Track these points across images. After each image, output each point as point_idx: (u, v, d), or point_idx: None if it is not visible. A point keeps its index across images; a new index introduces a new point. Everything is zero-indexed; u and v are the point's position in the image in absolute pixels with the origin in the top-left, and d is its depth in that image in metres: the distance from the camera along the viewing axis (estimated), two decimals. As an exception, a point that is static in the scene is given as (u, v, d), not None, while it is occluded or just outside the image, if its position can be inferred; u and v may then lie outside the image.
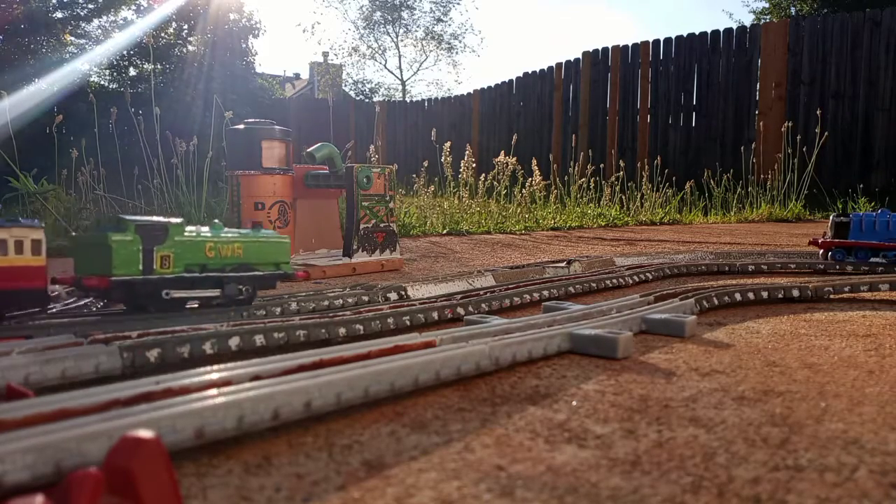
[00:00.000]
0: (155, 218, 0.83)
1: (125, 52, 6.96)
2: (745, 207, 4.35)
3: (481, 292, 1.06)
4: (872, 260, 1.45)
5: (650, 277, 1.33)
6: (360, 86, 18.12)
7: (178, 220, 0.84)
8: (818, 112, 4.75)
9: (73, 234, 0.74)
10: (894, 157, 4.86)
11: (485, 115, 7.83)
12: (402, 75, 17.88)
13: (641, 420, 0.53)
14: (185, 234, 0.84)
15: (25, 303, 0.71)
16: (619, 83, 6.27)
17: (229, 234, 0.89)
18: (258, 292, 0.92)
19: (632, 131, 6.18)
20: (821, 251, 1.53)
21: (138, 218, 0.81)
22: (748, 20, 11.82)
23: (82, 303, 0.95)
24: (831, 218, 1.52)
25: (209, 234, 0.87)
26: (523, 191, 3.80)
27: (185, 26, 7.12)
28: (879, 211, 1.47)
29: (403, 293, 1.07)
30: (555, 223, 3.37)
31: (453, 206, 3.59)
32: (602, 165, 4.92)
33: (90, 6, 6.90)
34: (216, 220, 0.90)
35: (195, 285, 0.85)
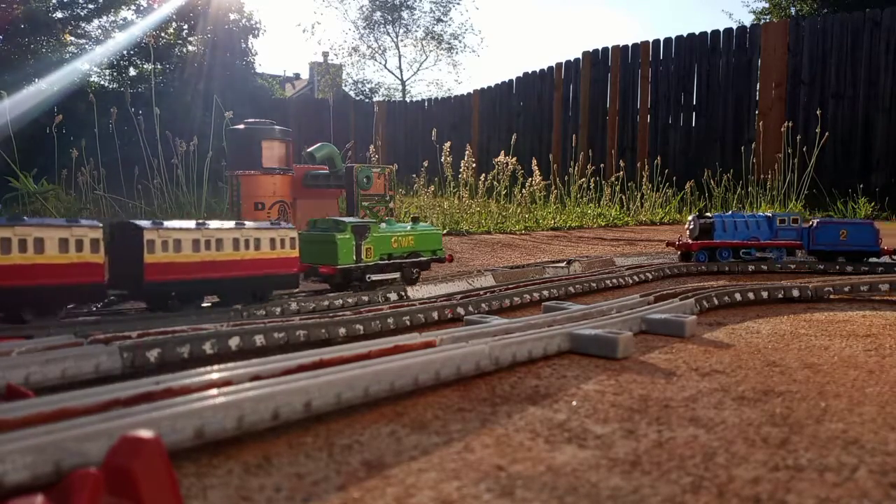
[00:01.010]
0: (361, 219, 1.07)
1: (125, 52, 6.95)
2: (746, 207, 4.34)
3: (481, 292, 1.06)
4: (732, 259, 1.49)
5: (650, 277, 1.33)
6: (360, 86, 18.11)
7: (374, 220, 1.11)
8: (818, 112, 4.75)
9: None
10: (894, 157, 4.86)
11: (485, 115, 7.83)
12: (402, 75, 17.87)
13: (641, 420, 0.53)
14: (379, 231, 1.08)
15: (84, 297, 0.79)
16: (619, 83, 6.27)
17: (404, 229, 1.14)
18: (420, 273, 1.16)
19: (632, 131, 6.18)
20: (680, 252, 1.55)
21: (352, 220, 1.05)
22: (748, 20, 11.82)
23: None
24: (691, 219, 1.53)
25: (393, 230, 1.12)
26: (523, 191, 3.80)
27: (185, 26, 7.11)
28: (730, 212, 1.50)
29: (403, 293, 1.07)
30: (555, 223, 3.37)
31: (453, 206, 3.59)
32: (602, 165, 4.92)
33: (90, 6, 6.90)
34: (389, 218, 1.13)
35: (383, 270, 1.09)
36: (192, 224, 0.84)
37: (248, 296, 0.91)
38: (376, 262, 1.08)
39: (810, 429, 0.51)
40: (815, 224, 1.52)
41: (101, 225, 0.78)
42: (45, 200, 2.49)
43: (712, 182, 4.54)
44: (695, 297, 0.99)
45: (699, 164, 5.33)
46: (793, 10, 9.89)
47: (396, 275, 1.11)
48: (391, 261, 1.10)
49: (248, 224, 0.89)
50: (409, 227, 1.16)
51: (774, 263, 1.48)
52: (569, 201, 4.23)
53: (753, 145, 4.90)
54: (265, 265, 0.90)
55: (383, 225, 1.12)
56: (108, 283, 0.80)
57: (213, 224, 0.86)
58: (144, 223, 0.80)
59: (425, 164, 4.39)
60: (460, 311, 0.93)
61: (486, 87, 7.92)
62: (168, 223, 0.81)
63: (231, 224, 0.89)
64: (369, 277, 1.06)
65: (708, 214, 1.51)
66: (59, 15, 6.76)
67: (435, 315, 0.90)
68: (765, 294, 1.08)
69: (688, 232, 1.53)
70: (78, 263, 0.76)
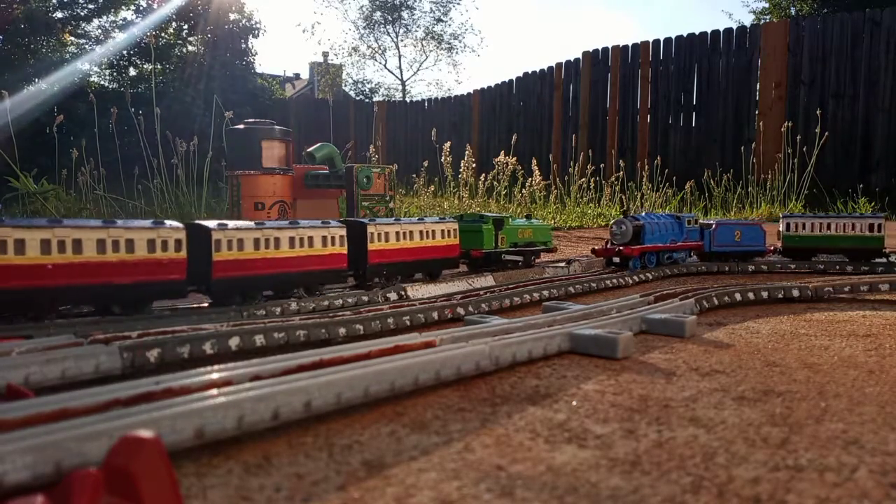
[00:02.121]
0: (499, 215, 1.34)
1: (125, 52, 6.95)
2: (746, 207, 4.35)
3: (481, 292, 1.06)
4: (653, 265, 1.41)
5: (650, 277, 1.33)
6: (360, 86, 18.11)
7: (506, 214, 1.36)
8: (818, 112, 4.75)
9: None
10: (894, 157, 4.86)
11: (485, 115, 7.83)
12: (402, 75, 17.87)
13: (641, 420, 0.53)
14: (510, 224, 1.36)
15: (168, 293, 0.85)
16: (619, 83, 6.27)
17: (524, 223, 1.41)
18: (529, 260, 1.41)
19: (632, 131, 6.18)
20: (607, 260, 1.42)
21: (492, 215, 1.33)
22: (748, 20, 11.82)
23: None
24: (618, 222, 1.40)
25: (519, 224, 1.39)
26: (523, 191, 3.80)
27: (185, 26, 7.11)
28: (645, 213, 1.42)
29: (403, 293, 1.07)
30: (555, 223, 3.37)
31: (453, 205, 3.59)
32: (602, 165, 4.92)
33: (90, 6, 6.90)
34: (509, 215, 1.36)
35: (512, 254, 1.38)
36: (252, 224, 0.91)
37: (300, 289, 0.98)
38: (507, 248, 1.36)
39: (810, 429, 0.51)
40: (714, 225, 1.49)
41: (183, 226, 0.86)
42: (45, 200, 2.49)
43: (712, 182, 4.54)
44: (695, 297, 0.99)
45: (699, 164, 5.33)
46: (793, 10, 9.89)
47: (520, 258, 1.39)
48: (517, 248, 1.38)
49: (302, 223, 0.97)
50: (527, 223, 1.42)
51: (682, 266, 1.44)
52: (569, 201, 4.23)
53: (753, 145, 4.90)
54: (316, 261, 0.98)
55: (515, 220, 1.40)
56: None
57: (270, 224, 0.93)
58: (211, 224, 0.87)
59: (425, 164, 4.39)
60: (460, 311, 0.93)
61: (486, 87, 7.92)
62: (231, 224, 0.89)
63: (285, 223, 0.95)
64: (504, 257, 1.36)
65: (635, 216, 1.39)
66: (59, 15, 6.76)
67: (435, 315, 0.90)
68: (765, 294, 1.08)
69: (616, 236, 1.39)
70: (164, 261, 0.83)
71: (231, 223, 0.90)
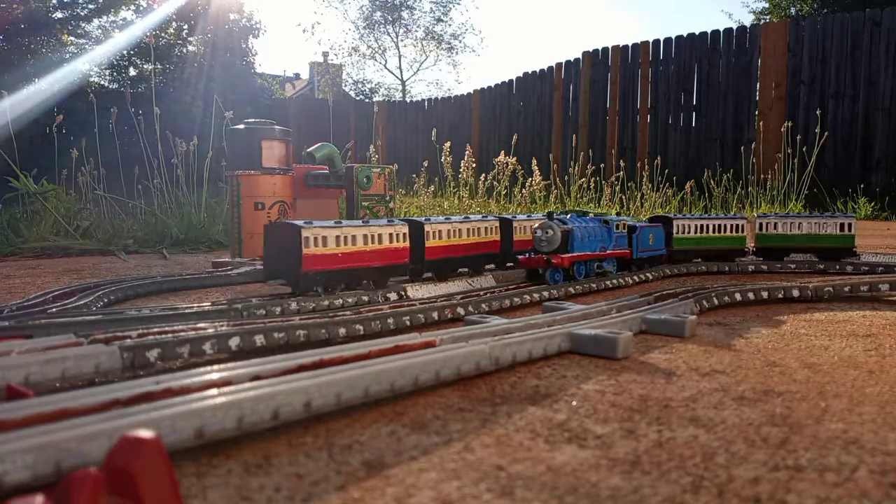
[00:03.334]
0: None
1: (125, 52, 6.95)
2: (746, 207, 4.35)
3: (481, 292, 1.06)
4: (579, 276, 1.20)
5: (650, 277, 1.33)
6: (360, 86, 18.12)
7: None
8: (818, 112, 4.76)
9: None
10: (894, 157, 4.86)
11: (485, 115, 7.83)
12: (402, 75, 17.89)
13: (641, 420, 0.53)
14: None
15: (398, 272, 1.11)
16: (619, 83, 6.27)
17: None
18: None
19: (632, 131, 6.18)
20: (529, 271, 1.22)
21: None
22: (748, 20, 11.83)
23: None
24: (542, 226, 1.17)
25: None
26: (523, 191, 3.80)
27: (185, 26, 7.11)
28: (570, 215, 1.22)
29: (403, 293, 1.07)
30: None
31: (453, 205, 3.59)
32: (602, 165, 4.92)
33: (90, 6, 6.90)
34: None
35: None
36: (331, 223, 1.01)
37: (371, 282, 1.09)
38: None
39: (810, 429, 0.51)
40: (639, 229, 1.34)
41: (406, 222, 1.11)
42: (45, 200, 2.49)
43: (712, 182, 4.54)
44: (695, 297, 0.99)
45: (699, 164, 5.33)
46: (793, 11, 9.89)
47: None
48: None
49: (372, 222, 1.07)
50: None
51: (611, 277, 1.24)
52: (569, 201, 4.23)
53: (753, 145, 4.90)
54: (387, 256, 1.08)
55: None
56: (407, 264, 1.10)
57: (346, 223, 1.04)
58: (300, 222, 0.97)
59: (425, 164, 4.39)
60: (460, 311, 0.93)
61: (486, 87, 7.92)
62: (316, 223, 1.00)
63: (359, 223, 1.06)
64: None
65: (561, 218, 1.19)
66: (59, 15, 6.76)
67: (435, 315, 0.90)
68: (765, 294, 1.08)
69: (541, 243, 1.16)
70: (398, 249, 1.09)
71: (317, 222, 1.02)
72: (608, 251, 1.25)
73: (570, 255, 1.16)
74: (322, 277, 0.99)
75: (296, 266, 0.96)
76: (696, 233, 1.48)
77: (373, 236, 1.05)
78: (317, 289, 0.99)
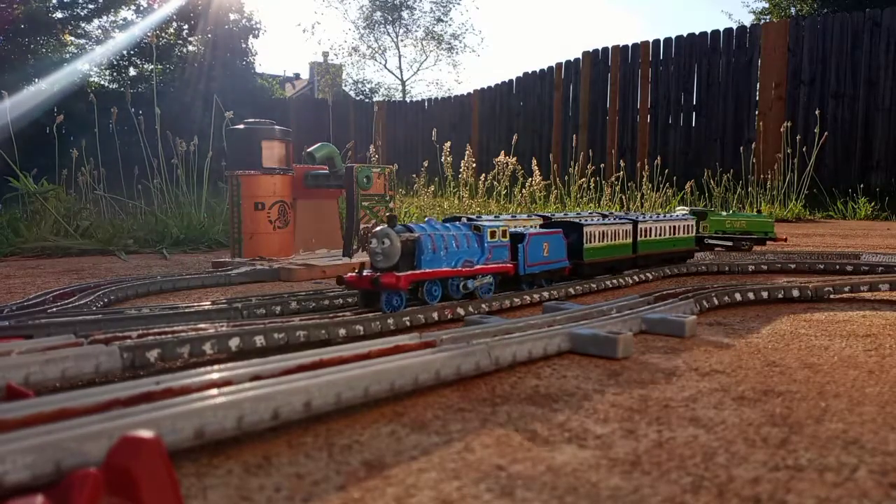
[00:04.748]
0: (702, 209, 1.59)
1: (125, 52, 6.96)
2: (745, 207, 4.35)
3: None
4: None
5: (650, 277, 1.33)
6: (360, 86, 18.12)
7: (711, 208, 2.10)
8: (818, 112, 4.76)
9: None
10: (894, 157, 4.86)
11: (485, 115, 7.83)
12: (402, 75, 17.89)
13: (641, 420, 0.53)
14: (714, 216, 1.78)
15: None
16: (619, 83, 6.27)
17: (739, 217, 1.79)
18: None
19: (632, 131, 6.18)
20: (363, 292, 0.88)
21: (695, 209, 1.69)
22: (748, 20, 11.83)
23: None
24: (380, 237, 0.86)
25: (726, 216, 1.78)
26: (523, 191, 3.80)
27: (186, 26, 7.12)
28: (427, 219, 0.99)
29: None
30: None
31: (453, 205, 3.59)
32: (602, 165, 4.92)
33: (90, 6, 6.90)
34: (713, 208, 1.73)
35: (716, 239, 1.77)
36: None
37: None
38: (710, 234, 1.76)
39: (810, 429, 0.51)
40: (527, 238, 1.06)
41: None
42: (44, 200, 2.49)
43: (712, 182, 4.54)
44: (695, 297, 0.99)
45: (699, 164, 5.33)
46: (793, 10, 9.89)
47: (729, 243, 1.77)
48: (724, 235, 1.76)
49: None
50: (737, 215, 1.77)
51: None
52: (569, 201, 4.23)
53: (753, 145, 4.90)
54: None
55: (722, 213, 1.78)
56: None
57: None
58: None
59: (425, 164, 4.39)
60: (460, 311, 0.93)
61: (486, 87, 7.93)
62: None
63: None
64: (706, 241, 1.75)
65: (408, 224, 0.92)
66: (59, 15, 6.76)
67: (435, 315, 0.90)
68: (765, 294, 1.08)
69: (377, 257, 0.86)
70: (622, 246, 1.29)
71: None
72: (478, 266, 0.97)
73: (410, 272, 0.86)
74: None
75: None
76: (610, 240, 1.26)
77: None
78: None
